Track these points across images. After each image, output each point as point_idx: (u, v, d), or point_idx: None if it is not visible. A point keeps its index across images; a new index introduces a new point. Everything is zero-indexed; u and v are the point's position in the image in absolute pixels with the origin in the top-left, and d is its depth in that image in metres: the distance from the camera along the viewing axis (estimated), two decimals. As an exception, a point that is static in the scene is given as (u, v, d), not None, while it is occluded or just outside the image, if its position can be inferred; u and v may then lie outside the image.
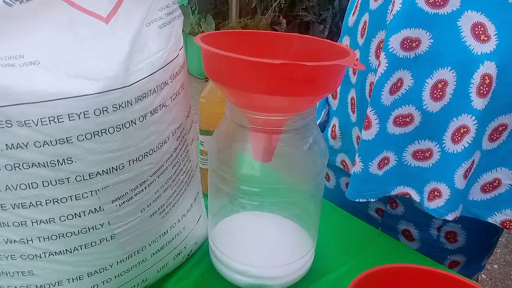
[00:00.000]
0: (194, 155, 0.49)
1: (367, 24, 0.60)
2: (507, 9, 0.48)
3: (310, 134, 0.48)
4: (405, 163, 0.58)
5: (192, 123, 0.48)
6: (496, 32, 0.48)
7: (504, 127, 0.51)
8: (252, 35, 0.50)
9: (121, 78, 0.32)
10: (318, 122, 0.73)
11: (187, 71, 0.43)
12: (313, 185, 0.49)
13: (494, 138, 0.52)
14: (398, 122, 0.56)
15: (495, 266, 1.67)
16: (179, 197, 0.45)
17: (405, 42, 0.52)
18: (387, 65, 0.53)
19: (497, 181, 0.54)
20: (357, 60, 0.59)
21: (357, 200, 0.61)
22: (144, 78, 0.35)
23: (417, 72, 0.53)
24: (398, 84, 0.54)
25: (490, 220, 0.55)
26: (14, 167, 0.31)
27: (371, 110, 0.56)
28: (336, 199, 0.74)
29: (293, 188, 0.49)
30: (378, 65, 0.55)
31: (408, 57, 0.53)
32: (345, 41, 0.68)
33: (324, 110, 0.73)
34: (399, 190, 0.60)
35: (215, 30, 3.47)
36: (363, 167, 0.59)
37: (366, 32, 0.60)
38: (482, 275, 1.63)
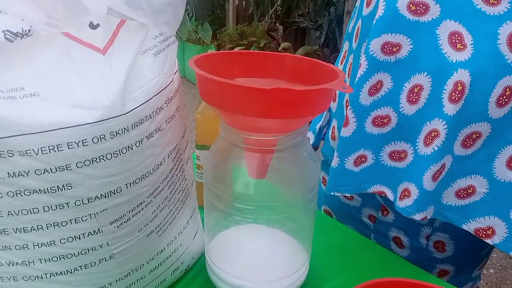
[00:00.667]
0: (190, 173, 0.50)
1: (360, 29, 0.62)
2: (484, 20, 0.49)
3: (302, 152, 0.49)
4: (381, 162, 0.60)
5: (187, 142, 0.49)
6: (472, 41, 0.50)
7: (478, 134, 0.53)
8: (246, 55, 0.52)
9: (117, 106, 0.34)
10: (318, 126, 0.75)
11: (182, 95, 0.45)
12: (307, 200, 0.51)
13: (468, 144, 0.53)
14: (376, 123, 0.58)
15: (491, 271, 1.68)
16: (176, 215, 0.47)
17: (386, 46, 0.54)
18: (366, 66, 0.56)
19: (471, 188, 0.55)
20: (345, 83, 0.61)
21: (333, 193, 0.63)
22: (139, 106, 0.36)
23: (396, 76, 0.55)
24: (378, 86, 0.56)
25: (464, 227, 0.57)
26: (16, 194, 0.33)
27: (350, 109, 0.59)
28: (333, 203, 0.76)
29: (287, 204, 0.51)
30: (360, 66, 0.57)
31: (389, 60, 0.55)
32: (345, 46, 0.70)
33: (325, 114, 0.75)
34: (375, 188, 0.62)
35: (212, 37, 3.49)
36: (339, 162, 0.61)
37: (358, 37, 0.62)
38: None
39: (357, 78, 0.56)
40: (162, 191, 0.42)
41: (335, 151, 0.61)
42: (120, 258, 0.40)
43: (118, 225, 0.39)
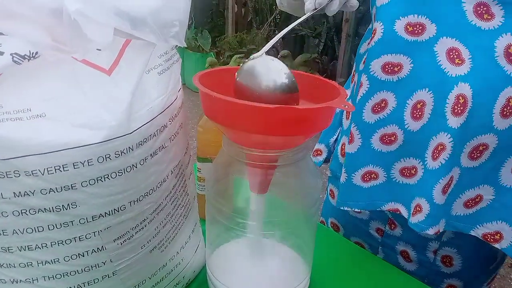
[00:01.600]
0: (192, 188, 0.51)
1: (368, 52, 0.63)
2: (480, 35, 0.51)
3: (304, 167, 0.49)
4: (393, 179, 0.61)
5: (190, 157, 0.50)
6: (470, 56, 0.51)
7: (484, 146, 0.53)
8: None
9: (123, 126, 0.34)
10: (332, 140, 0.76)
11: (185, 111, 0.45)
12: (309, 215, 0.51)
13: (475, 156, 0.54)
14: (384, 140, 0.59)
15: (497, 276, 1.68)
16: (178, 230, 0.47)
17: (387, 66, 0.56)
18: (368, 86, 0.57)
19: (479, 197, 0.56)
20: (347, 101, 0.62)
21: (342, 208, 0.64)
22: (144, 124, 0.36)
23: (399, 94, 0.57)
24: (382, 105, 0.58)
25: (472, 233, 0.58)
26: (21, 213, 0.33)
27: (354, 126, 0.60)
28: (340, 216, 0.76)
29: (289, 219, 0.51)
30: (360, 85, 0.58)
31: (391, 80, 0.56)
32: (354, 66, 0.71)
33: (338, 130, 0.75)
34: (389, 206, 0.62)
35: (211, 45, 3.50)
36: (347, 178, 0.62)
37: (366, 59, 0.63)
38: (478, 289, 1.64)
39: (359, 97, 0.58)
40: (165, 208, 0.43)
41: (343, 167, 0.62)
42: (123, 275, 0.41)
43: (122, 242, 0.39)
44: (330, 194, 0.77)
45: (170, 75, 0.40)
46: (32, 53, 0.31)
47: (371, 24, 0.69)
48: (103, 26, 0.31)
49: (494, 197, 0.55)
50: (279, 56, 3.16)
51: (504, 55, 0.49)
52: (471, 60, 0.51)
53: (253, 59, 0.43)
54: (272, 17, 3.49)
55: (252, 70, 0.43)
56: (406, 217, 0.60)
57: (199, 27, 3.79)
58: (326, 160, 0.77)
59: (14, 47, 0.31)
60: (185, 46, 0.36)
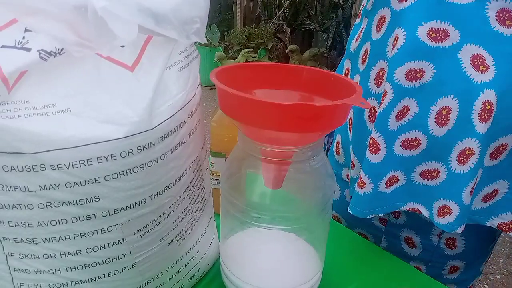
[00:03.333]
0: (208, 183, 0.51)
1: (368, 52, 0.63)
2: (502, 41, 0.52)
3: (318, 163, 0.50)
4: (413, 182, 0.62)
5: (207, 152, 0.51)
6: (494, 62, 0.52)
7: (504, 146, 0.55)
8: (264, 68, 0.53)
9: (145, 122, 0.35)
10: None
11: (202, 108, 0.46)
12: (322, 211, 0.51)
13: (495, 156, 0.56)
14: (406, 146, 0.60)
15: (498, 276, 1.68)
16: (194, 224, 0.48)
17: (410, 73, 0.56)
18: (393, 95, 0.57)
19: (495, 191, 0.59)
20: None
21: (368, 216, 0.64)
22: (165, 120, 0.37)
23: (422, 100, 0.57)
24: (404, 111, 0.58)
25: (488, 223, 0.60)
26: (46, 205, 0.34)
27: (379, 136, 0.59)
28: (340, 209, 0.77)
29: (303, 214, 0.51)
30: (384, 93, 0.58)
31: (413, 86, 0.56)
32: (347, 64, 0.72)
33: None
34: (409, 206, 0.63)
35: (219, 39, 3.51)
36: (373, 188, 0.62)
37: (367, 59, 0.64)
38: (485, 285, 1.65)
39: (384, 106, 0.58)
40: (183, 201, 0.43)
41: (367, 177, 0.62)
42: (142, 266, 0.42)
43: (141, 235, 0.40)
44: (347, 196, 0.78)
45: (189, 72, 0.41)
46: (58, 49, 0.32)
47: (359, 19, 0.69)
48: (128, 23, 0.31)
49: (508, 189, 0.57)
50: (287, 50, 3.16)
51: None
52: (495, 66, 0.52)
53: None
54: (280, 12, 3.48)
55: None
56: (428, 216, 0.61)
57: (207, 21, 3.79)
58: None
59: (40, 44, 0.31)
60: (205, 41, 0.37)
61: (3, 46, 0.31)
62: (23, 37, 0.31)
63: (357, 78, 0.67)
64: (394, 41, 0.57)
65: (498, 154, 0.56)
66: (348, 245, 0.66)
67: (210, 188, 0.54)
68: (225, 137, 0.67)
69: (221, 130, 0.67)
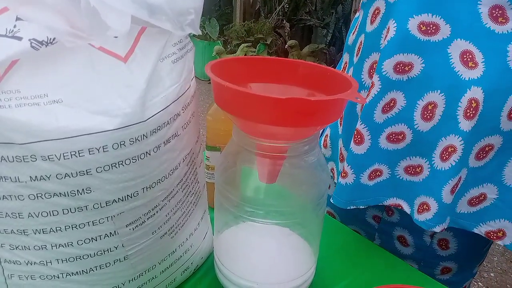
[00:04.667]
0: (202, 176, 0.51)
1: (362, 44, 0.63)
2: (494, 38, 0.51)
3: (312, 158, 0.50)
4: (397, 176, 0.61)
5: (201, 146, 0.50)
6: (483, 59, 0.51)
7: (490, 147, 0.54)
8: (260, 61, 0.53)
9: (138, 114, 0.35)
10: None
11: (197, 100, 0.45)
12: (317, 206, 0.51)
13: (481, 157, 0.55)
14: (391, 139, 0.59)
15: (492, 274, 1.69)
16: (188, 217, 0.48)
17: (398, 66, 0.55)
18: (380, 86, 0.57)
19: (483, 196, 0.57)
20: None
21: (348, 207, 0.64)
22: (158, 112, 0.37)
23: (409, 94, 0.56)
24: (391, 104, 0.58)
25: (475, 230, 0.59)
26: (37, 196, 0.34)
27: (364, 127, 0.59)
28: (334, 206, 0.77)
29: (297, 209, 0.51)
30: (371, 85, 0.58)
31: (401, 79, 0.56)
32: (345, 58, 0.72)
33: None
34: (391, 201, 0.63)
35: (219, 33, 3.49)
36: (355, 179, 0.62)
37: (360, 52, 0.63)
38: (479, 283, 1.65)
39: (370, 97, 0.57)
40: (176, 195, 0.43)
41: (349, 167, 0.62)
42: (134, 259, 0.41)
43: (134, 228, 0.39)
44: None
45: (184, 64, 0.41)
46: (50, 39, 0.32)
47: (357, 13, 0.69)
48: (122, 14, 0.31)
49: (497, 196, 0.56)
50: (286, 46, 3.16)
51: None
52: (484, 63, 0.51)
53: None
54: (280, 7, 3.47)
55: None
56: (409, 212, 0.61)
57: (206, 15, 3.78)
58: None
59: (32, 33, 0.31)
60: (200, 33, 0.36)
61: (-7, 35, 0.31)
62: (14, 26, 0.31)
63: (351, 71, 0.67)
64: (386, 33, 0.56)
65: (484, 155, 0.55)
66: (342, 240, 0.67)
67: (204, 182, 0.53)
68: (220, 131, 0.66)
69: (216, 124, 0.66)
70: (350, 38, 0.69)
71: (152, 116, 0.36)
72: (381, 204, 0.63)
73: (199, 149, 0.49)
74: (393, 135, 0.59)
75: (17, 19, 0.31)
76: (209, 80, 0.44)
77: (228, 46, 3.37)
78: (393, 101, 0.57)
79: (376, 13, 0.60)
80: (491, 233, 0.57)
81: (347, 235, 0.68)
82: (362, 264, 0.61)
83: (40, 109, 0.32)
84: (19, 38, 0.31)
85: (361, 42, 0.64)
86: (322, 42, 3.25)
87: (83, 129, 0.33)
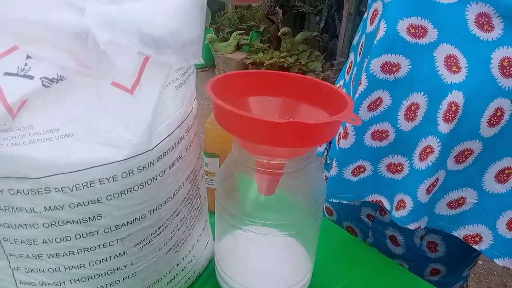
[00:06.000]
0: (203, 190, 0.53)
1: (363, 45, 0.65)
2: (479, 45, 0.52)
3: (310, 170, 0.52)
4: (379, 173, 0.64)
5: (202, 160, 0.52)
6: (467, 65, 0.53)
7: (470, 151, 0.56)
8: (259, 75, 0.54)
9: (145, 143, 0.36)
10: None
11: (198, 120, 0.47)
12: (315, 216, 0.54)
13: (460, 160, 0.57)
14: (375, 136, 0.62)
15: (480, 262, 1.74)
16: (191, 231, 0.50)
17: (386, 66, 0.57)
18: (367, 84, 0.59)
19: (462, 199, 0.60)
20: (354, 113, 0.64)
21: (331, 200, 0.68)
22: (164, 139, 0.38)
23: (395, 94, 0.58)
24: (377, 102, 0.60)
25: (454, 233, 0.61)
26: (51, 225, 0.35)
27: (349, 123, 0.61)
28: (334, 202, 0.80)
29: (296, 220, 0.53)
30: (360, 83, 0.60)
31: (388, 79, 0.58)
32: (351, 57, 0.73)
33: None
34: (373, 197, 0.66)
35: (211, 20, 3.46)
36: (338, 172, 0.65)
37: (362, 52, 0.65)
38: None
39: (357, 94, 0.59)
40: (180, 212, 0.45)
41: (334, 161, 0.64)
42: (142, 275, 0.43)
43: (141, 247, 0.41)
44: (325, 179, 0.80)
45: (186, 88, 0.42)
46: (60, 75, 0.33)
47: (366, 14, 0.70)
48: (129, 52, 0.32)
49: (477, 201, 0.58)
50: (279, 33, 3.14)
51: (499, 67, 0.51)
52: (467, 69, 0.53)
53: None
54: (273, -7, 3.44)
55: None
56: (389, 209, 0.63)
57: None
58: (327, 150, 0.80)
59: (43, 71, 0.32)
60: (202, 62, 0.38)
61: (6, 74, 0.32)
62: (25, 64, 0.32)
63: (355, 71, 0.68)
64: (377, 33, 0.58)
65: (463, 159, 0.56)
66: (336, 242, 0.69)
67: (205, 194, 0.55)
68: (219, 138, 0.68)
69: (215, 132, 0.68)
70: (355, 38, 0.71)
71: (158, 144, 0.38)
72: (363, 200, 0.66)
73: (201, 165, 0.51)
74: (378, 133, 0.61)
75: (27, 57, 0.32)
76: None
77: (221, 34, 3.34)
78: (379, 100, 0.59)
79: (374, 14, 0.62)
80: (469, 237, 0.59)
81: (341, 236, 0.71)
82: (356, 267, 0.63)
83: (52, 144, 0.33)
84: (31, 77, 0.32)
85: (362, 42, 0.66)
86: (315, 29, 3.24)
87: (94, 161, 0.34)
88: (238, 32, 3.19)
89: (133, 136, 0.35)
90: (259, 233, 0.53)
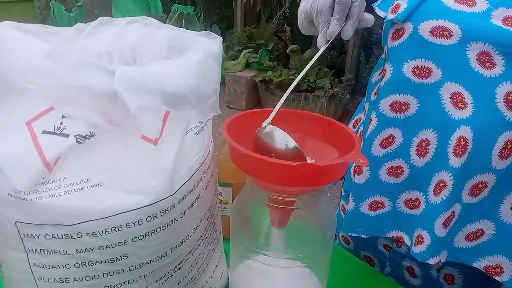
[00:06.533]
0: (218, 223, 0.56)
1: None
2: (482, 82, 0.54)
3: (320, 207, 0.54)
4: (398, 209, 0.65)
5: (217, 195, 0.55)
6: (472, 101, 0.55)
7: (484, 184, 0.57)
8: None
9: (167, 189, 0.39)
10: None
11: (214, 160, 0.50)
12: (325, 248, 0.56)
13: (475, 193, 0.58)
14: (391, 173, 0.64)
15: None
16: (207, 263, 0.53)
17: (395, 105, 0.61)
18: (377, 122, 0.62)
19: (480, 231, 0.61)
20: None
21: (350, 234, 0.69)
22: (184, 184, 0.42)
23: (406, 131, 0.61)
24: (390, 140, 0.63)
25: (474, 265, 0.62)
26: (82, 265, 0.39)
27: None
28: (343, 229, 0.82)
29: (307, 254, 0.56)
30: (370, 121, 0.63)
31: (399, 117, 0.61)
32: (370, 95, 0.76)
33: None
34: (394, 233, 0.67)
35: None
36: (354, 207, 0.67)
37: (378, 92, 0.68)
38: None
39: (368, 132, 0.62)
40: (198, 248, 0.48)
41: (351, 195, 0.67)
42: (162, 307, 0.46)
43: (162, 282, 0.44)
44: (341, 209, 0.82)
45: (204, 133, 0.45)
46: (92, 132, 0.36)
47: (383, 53, 0.73)
48: (154, 113, 0.35)
49: (495, 232, 0.59)
50: (288, 50, 3.19)
51: (504, 102, 0.53)
52: (473, 104, 0.55)
53: (264, 127, 0.49)
54: (281, 12, 3.50)
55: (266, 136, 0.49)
56: (409, 245, 0.64)
57: (208, 20, 3.81)
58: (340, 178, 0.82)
59: (77, 129, 0.36)
60: (220, 113, 0.41)
61: (44, 132, 0.35)
62: (61, 123, 0.36)
63: (367, 106, 0.72)
64: (383, 75, 0.61)
65: (478, 192, 0.58)
66: (354, 272, 0.70)
67: (221, 227, 0.58)
68: (232, 169, 0.70)
69: (228, 163, 0.70)
70: (375, 76, 0.74)
71: (179, 188, 0.41)
72: (384, 236, 0.68)
73: (216, 200, 0.54)
74: (393, 169, 0.64)
75: (63, 116, 0.36)
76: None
77: (230, 52, 3.40)
78: (392, 137, 0.62)
79: (384, 56, 0.65)
80: (490, 268, 0.60)
81: (358, 265, 0.72)
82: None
83: (84, 193, 0.36)
84: (66, 135, 0.35)
85: (379, 86, 0.68)
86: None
87: (122, 208, 0.37)
88: (247, 50, 3.25)
89: (157, 183, 0.39)
90: (272, 265, 0.56)
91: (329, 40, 0.60)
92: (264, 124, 0.50)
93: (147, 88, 0.35)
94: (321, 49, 0.61)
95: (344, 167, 0.48)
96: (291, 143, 0.49)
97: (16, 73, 0.34)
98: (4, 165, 0.34)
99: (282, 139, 0.49)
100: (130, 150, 0.38)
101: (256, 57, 3.23)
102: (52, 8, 4.44)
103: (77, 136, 0.36)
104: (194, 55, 0.39)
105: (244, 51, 3.24)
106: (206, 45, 0.41)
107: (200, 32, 0.45)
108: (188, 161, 0.42)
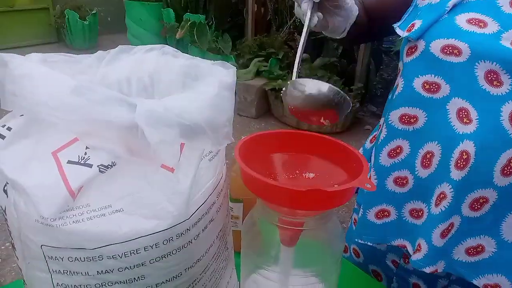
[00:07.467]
0: (230, 241, 0.58)
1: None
2: (489, 99, 0.56)
3: (330, 226, 0.56)
4: (403, 218, 0.67)
5: (230, 214, 0.57)
6: (477, 117, 0.57)
7: (484, 199, 0.59)
8: (282, 135, 0.59)
9: (183, 214, 0.42)
10: None
11: (227, 181, 0.52)
12: (333, 266, 0.58)
13: (476, 208, 0.59)
14: (397, 182, 0.66)
15: None
16: (219, 280, 0.54)
17: (404, 117, 0.63)
18: (386, 133, 0.65)
19: (480, 247, 0.62)
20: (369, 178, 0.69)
21: (357, 240, 0.71)
22: (199, 208, 0.44)
23: (413, 143, 0.64)
24: (398, 150, 0.65)
25: (474, 282, 0.63)
26: (102, 285, 0.41)
27: (371, 168, 0.67)
28: (362, 244, 0.83)
29: (316, 273, 0.57)
30: (382, 132, 0.66)
31: (407, 129, 0.64)
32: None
33: None
34: (398, 242, 0.69)
35: (232, 48, 3.57)
36: (362, 214, 0.70)
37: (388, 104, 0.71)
38: None
39: (379, 141, 0.66)
40: (211, 266, 0.50)
41: (361, 203, 0.69)
42: (176, 324, 0.48)
43: (179, 300, 0.46)
44: (353, 222, 0.84)
45: (218, 159, 0.48)
46: (113, 162, 0.39)
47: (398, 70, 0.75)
48: (172, 145, 0.38)
49: (496, 250, 0.60)
50: (298, 59, 3.21)
51: (509, 120, 0.55)
52: (477, 120, 0.57)
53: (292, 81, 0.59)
54: (291, 21, 3.53)
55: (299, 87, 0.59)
56: (411, 253, 0.66)
57: (219, 29, 3.86)
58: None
59: (99, 160, 0.38)
60: (233, 141, 0.43)
61: (69, 162, 0.38)
62: (85, 153, 0.38)
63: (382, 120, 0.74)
64: (395, 89, 0.64)
65: (479, 206, 0.59)
66: (359, 287, 0.72)
67: (232, 244, 0.60)
68: (243, 185, 0.73)
69: (239, 179, 0.72)
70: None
71: (194, 212, 0.43)
72: (389, 244, 0.69)
73: (228, 220, 0.56)
74: (399, 179, 0.66)
75: (86, 147, 0.38)
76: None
77: (241, 60, 3.44)
78: (399, 148, 0.65)
79: (399, 72, 0.68)
80: (489, 286, 0.61)
81: (365, 280, 0.74)
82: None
83: (106, 219, 0.39)
84: (90, 165, 0.38)
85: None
86: (333, 55, 3.30)
87: (140, 232, 0.40)
88: (258, 59, 3.28)
89: (174, 209, 0.41)
90: (281, 282, 0.58)
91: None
92: (292, 78, 0.60)
93: (167, 122, 0.38)
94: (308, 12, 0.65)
95: (351, 191, 0.49)
96: (324, 86, 0.54)
97: (42, 107, 0.37)
98: (32, 193, 0.37)
99: (314, 85, 0.58)
100: (149, 177, 0.41)
101: (266, 66, 3.26)
102: (67, 16, 4.54)
103: (99, 166, 0.38)
104: (210, 88, 0.41)
105: (255, 59, 3.27)
106: (221, 76, 0.44)
107: (215, 62, 0.47)
108: (202, 186, 0.45)
